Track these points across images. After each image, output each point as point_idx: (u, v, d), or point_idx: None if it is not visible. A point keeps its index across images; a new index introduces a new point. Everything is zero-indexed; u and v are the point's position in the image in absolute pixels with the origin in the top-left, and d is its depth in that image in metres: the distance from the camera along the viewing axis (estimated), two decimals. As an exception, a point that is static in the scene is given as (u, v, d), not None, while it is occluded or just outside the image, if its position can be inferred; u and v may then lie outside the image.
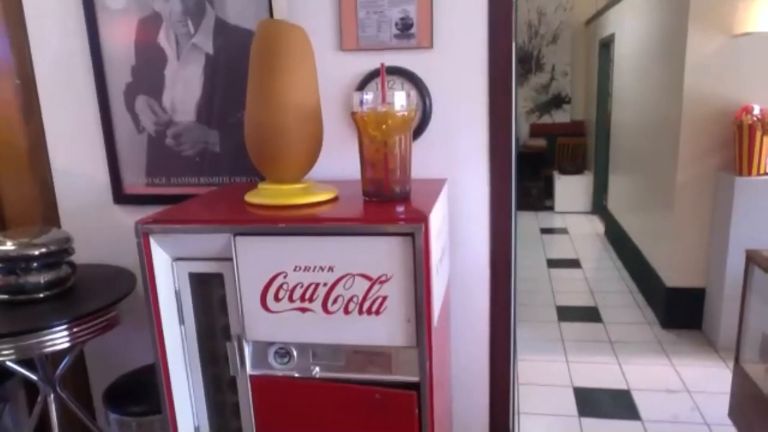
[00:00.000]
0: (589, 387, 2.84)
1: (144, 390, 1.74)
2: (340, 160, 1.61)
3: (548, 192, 6.99)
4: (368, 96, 1.26)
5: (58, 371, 1.74)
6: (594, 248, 5.31)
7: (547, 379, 2.94)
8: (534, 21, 7.19)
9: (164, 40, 1.74)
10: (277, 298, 1.23)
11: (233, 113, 1.75)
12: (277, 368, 1.29)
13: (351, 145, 1.42)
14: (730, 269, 3.04)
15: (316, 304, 1.22)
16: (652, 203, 3.95)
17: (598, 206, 6.40)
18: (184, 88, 1.76)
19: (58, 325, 1.49)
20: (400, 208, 1.27)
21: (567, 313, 3.77)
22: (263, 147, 1.34)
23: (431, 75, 1.65)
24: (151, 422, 1.70)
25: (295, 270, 1.21)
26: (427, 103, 1.66)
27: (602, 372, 2.97)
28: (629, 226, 4.67)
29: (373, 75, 1.66)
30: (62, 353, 1.66)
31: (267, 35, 1.31)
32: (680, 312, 3.45)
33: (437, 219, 1.32)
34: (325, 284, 1.20)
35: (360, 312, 1.20)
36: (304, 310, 1.23)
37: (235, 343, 1.28)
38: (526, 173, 6.78)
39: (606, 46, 6.02)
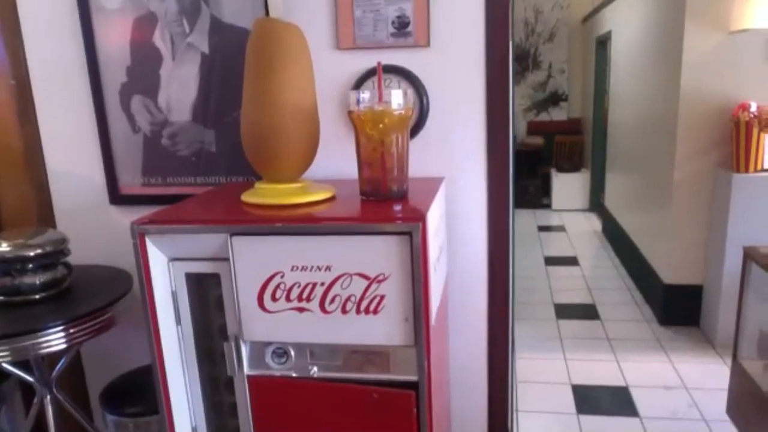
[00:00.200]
0: (587, 384, 2.84)
1: (141, 391, 1.73)
2: (337, 160, 1.60)
3: (545, 190, 6.99)
4: (365, 95, 1.25)
5: (55, 373, 1.73)
6: (591, 246, 5.32)
7: (545, 376, 2.94)
8: (531, 19, 7.19)
9: (159, 39, 1.74)
10: (274, 298, 1.22)
11: (229, 113, 1.74)
12: (275, 368, 1.29)
13: (348, 144, 1.41)
14: (728, 266, 3.05)
15: (314, 304, 1.21)
16: (649, 200, 3.96)
17: (596, 204, 6.41)
18: (179, 87, 1.76)
19: (54, 327, 1.48)
20: (398, 207, 1.26)
21: (565, 311, 3.77)
22: (260, 146, 1.34)
23: (428, 73, 1.64)
24: (148, 423, 1.69)
25: (292, 270, 1.20)
26: (424, 101, 1.65)
27: (600, 369, 2.98)
28: (627, 224, 4.68)
29: (369, 74, 1.65)
30: (58, 354, 1.65)
31: (263, 34, 1.30)
32: (678, 309, 3.45)
33: (435, 218, 1.32)
34: (322, 284, 1.20)
35: (358, 311, 1.20)
36: (301, 309, 1.22)
37: (233, 344, 1.27)
38: (523, 171, 6.79)
39: (603, 43, 6.02)
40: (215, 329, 1.33)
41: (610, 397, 2.72)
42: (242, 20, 1.68)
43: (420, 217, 1.15)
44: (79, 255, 1.77)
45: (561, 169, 6.80)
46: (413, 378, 1.22)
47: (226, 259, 1.23)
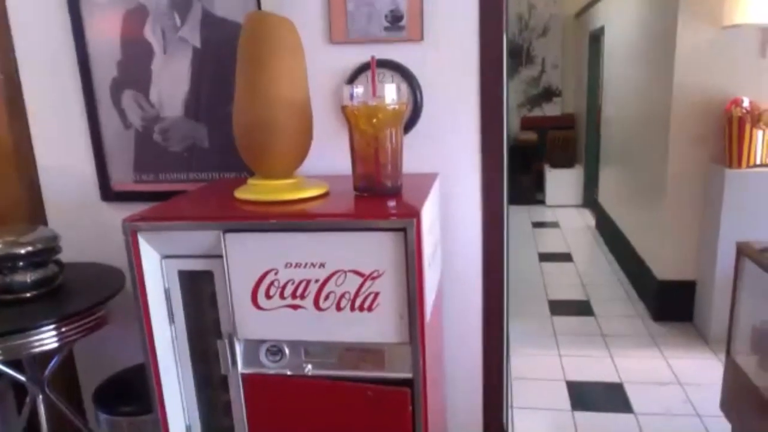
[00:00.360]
0: (581, 380, 2.84)
1: (134, 389, 1.72)
2: (330, 155, 1.59)
3: (539, 186, 6.99)
4: (359, 89, 1.24)
5: (47, 372, 1.72)
6: (585, 242, 5.32)
7: (539, 373, 2.94)
8: (524, 14, 7.18)
9: (150, 33, 1.72)
10: (268, 296, 1.21)
11: (221, 108, 1.72)
12: (269, 366, 1.28)
13: (341, 139, 1.40)
14: (721, 262, 3.05)
15: (308, 301, 1.20)
16: (642, 196, 3.96)
17: (589, 199, 6.42)
18: (171, 82, 1.74)
19: (45, 325, 1.47)
20: (392, 203, 1.25)
21: (559, 307, 3.78)
22: (252, 142, 1.32)
23: (422, 68, 1.63)
24: (141, 422, 1.68)
25: (286, 267, 1.19)
26: (418, 96, 1.64)
27: (594, 365, 2.98)
28: (620, 220, 4.69)
29: (363, 68, 1.64)
30: (51, 353, 1.64)
31: (255, 28, 1.29)
32: (671, 305, 3.46)
33: (429, 214, 1.31)
34: (316, 281, 1.19)
35: (352, 308, 1.19)
36: (295, 307, 1.21)
37: (226, 342, 1.27)
38: (516, 167, 6.78)
39: (596, 38, 6.02)
40: (209, 327, 1.32)
41: (604, 393, 2.73)
42: (234, 14, 1.66)
43: (414, 213, 1.14)
44: (70, 252, 1.75)
45: (555, 165, 6.80)
46: (408, 375, 1.21)
47: (220, 256, 1.22)
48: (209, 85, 1.72)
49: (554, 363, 3.03)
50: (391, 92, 1.23)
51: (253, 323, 1.24)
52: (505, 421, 1.92)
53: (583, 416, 2.55)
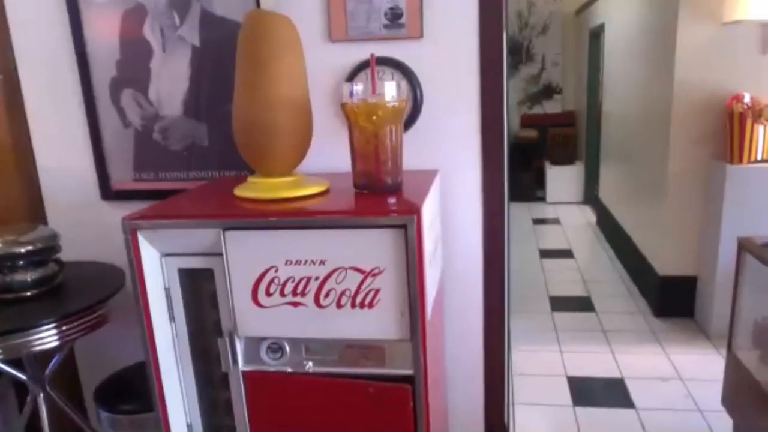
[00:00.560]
0: (582, 376, 2.84)
1: (135, 388, 1.72)
2: (330, 153, 1.59)
3: (540, 183, 6.99)
4: (358, 87, 1.24)
5: (48, 370, 1.72)
6: (586, 238, 5.32)
7: (541, 369, 2.94)
8: (524, 11, 7.17)
9: (149, 32, 1.71)
10: (268, 293, 1.21)
11: (221, 106, 1.72)
12: (270, 364, 1.28)
13: (341, 136, 1.40)
14: (722, 257, 3.05)
15: (308, 299, 1.20)
16: (643, 193, 3.96)
17: (590, 196, 6.41)
18: (170, 81, 1.74)
19: (46, 324, 1.46)
20: (392, 200, 1.25)
21: (560, 303, 3.77)
22: (252, 140, 1.32)
23: (422, 65, 1.63)
24: (142, 420, 1.68)
25: (286, 264, 1.19)
26: (418, 93, 1.64)
27: (596, 361, 2.98)
28: (621, 216, 4.68)
29: (362, 66, 1.64)
30: (51, 352, 1.64)
31: (254, 26, 1.29)
32: (673, 300, 3.46)
33: (430, 211, 1.31)
34: (317, 278, 1.19)
35: (353, 305, 1.19)
36: (296, 304, 1.21)
37: (227, 339, 1.26)
38: (517, 164, 6.78)
39: (596, 35, 6.01)
40: (209, 325, 1.32)
41: (605, 388, 2.73)
42: (233, 12, 1.66)
43: (415, 210, 1.14)
44: (70, 251, 1.75)
45: (555, 162, 6.80)
46: (409, 372, 1.21)
47: (220, 254, 1.21)
48: (209, 83, 1.72)
49: (555, 359, 3.03)
50: (390, 89, 1.23)
51: (254, 321, 1.24)
52: (506, 417, 1.92)
53: (584, 412, 2.55)
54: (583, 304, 3.75)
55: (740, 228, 2.86)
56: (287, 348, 1.27)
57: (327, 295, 1.20)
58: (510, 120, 2.54)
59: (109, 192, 1.86)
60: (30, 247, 1.57)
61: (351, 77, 1.65)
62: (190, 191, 1.55)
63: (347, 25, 1.62)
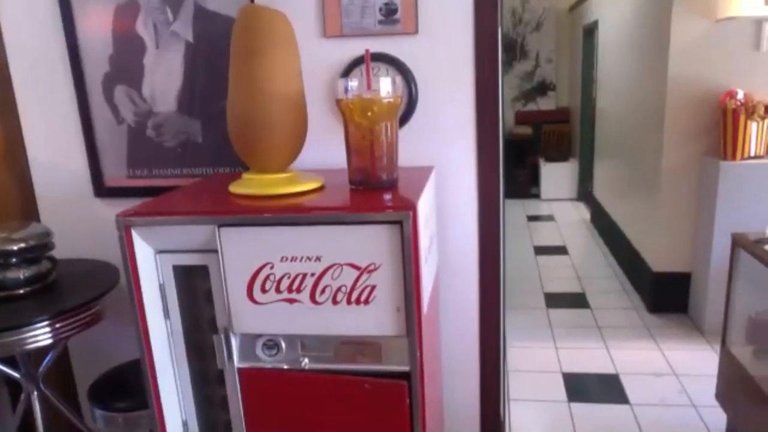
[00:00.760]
0: (577, 372, 2.85)
1: (130, 385, 1.71)
2: (325, 149, 1.58)
3: (534, 180, 7.00)
4: (353, 83, 1.24)
5: (42, 368, 1.71)
6: (580, 235, 5.34)
7: (536, 365, 2.95)
8: (518, 8, 7.17)
9: (142, 28, 1.70)
10: (263, 290, 1.21)
11: (215, 102, 1.71)
12: (266, 360, 1.28)
13: (336, 133, 1.40)
14: (716, 253, 3.07)
15: (304, 295, 1.20)
16: (637, 189, 3.97)
17: (584, 193, 6.43)
18: (164, 77, 1.73)
19: (39, 322, 1.46)
20: (388, 196, 1.25)
21: (555, 300, 3.79)
22: (246, 136, 1.32)
23: (417, 61, 1.63)
24: (138, 418, 1.67)
25: (281, 260, 1.19)
26: (413, 89, 1.64)
27: (590, 357, 2.99)
28: (615, 213, 4.70)
29: (357, 62, 1.63)
30: (45, 350, 1.63)
31: (248, 21, 1.28)
32: (666, 296, 3.47)
33: (425, 207, 1.31)
34: (312, 274, 1.19)
35: (348, 302, 1.19)
36: (291, 301, 1.21)
37: (222, 336, 1.26)
38: (511, 161, 6.78)
39: (590, 32, 6.02)
40: (204, 322, 1.32)
41: (600, 384, 2.74)
42: (227, 8, 1.65)
43: (410, 206, 1.14)
44: (64, 249, 1.74)
45: (549, 159, 6.82)
46: (405, 368, 1.21)
47: (215, 251, 1.21)
48: (203, 79, 1.71)
49: (550, 355, 3.04)
50: (385, 85, 1.22)
51: (249, 317, 1.23)
52: (501, 413, 1.92)
53: (579, 407, 2.56)
54: (577, 301, 3.77)
55: (733, 224, 2.87)
56: (283, 345, 1.26)
57: (323, 291, 1.19)
58: (504, 117, 2.54)
59: (102, 189, 1.85)
60: (23, 245, 1.56)
61: (346, 73, 1.64)
62: (184, 188, 1.54)
63: (342, 21, 1.61)
